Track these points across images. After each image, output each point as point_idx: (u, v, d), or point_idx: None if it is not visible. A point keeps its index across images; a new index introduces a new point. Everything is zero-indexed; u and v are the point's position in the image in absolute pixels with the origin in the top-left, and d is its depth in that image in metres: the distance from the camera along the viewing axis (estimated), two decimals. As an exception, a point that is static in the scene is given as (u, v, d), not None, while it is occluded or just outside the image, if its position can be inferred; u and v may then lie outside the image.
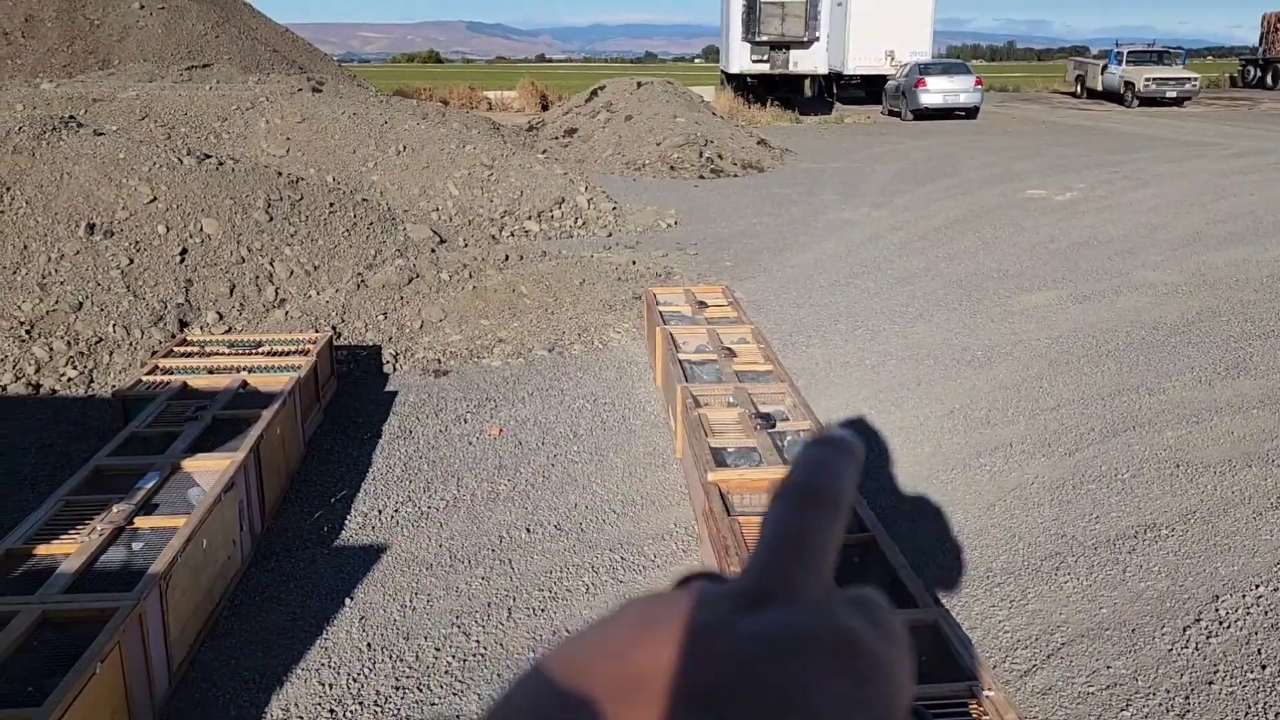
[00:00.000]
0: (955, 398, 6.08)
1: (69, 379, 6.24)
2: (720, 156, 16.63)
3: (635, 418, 5.83)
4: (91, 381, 6.27)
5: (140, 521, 3.63)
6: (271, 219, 7.88)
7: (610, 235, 10.99)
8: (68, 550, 3.40)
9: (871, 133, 24.24)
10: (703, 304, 6.79)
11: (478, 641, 3.63)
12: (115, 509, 3.66)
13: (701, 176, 15.83)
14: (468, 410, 5.96)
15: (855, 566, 3.50)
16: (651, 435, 5.57)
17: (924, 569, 4.03)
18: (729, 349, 5.78)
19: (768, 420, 4.67)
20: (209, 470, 4.09)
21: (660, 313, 6.58)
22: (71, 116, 8.48)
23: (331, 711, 3.24)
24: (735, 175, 16.12)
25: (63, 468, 5.05)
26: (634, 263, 9.25)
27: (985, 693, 2.59)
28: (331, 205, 8.53)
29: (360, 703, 3.28)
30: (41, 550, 3.42)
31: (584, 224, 11.20)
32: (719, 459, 4.29)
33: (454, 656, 3.54)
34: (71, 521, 3.62)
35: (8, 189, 7.19)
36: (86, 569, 3.31)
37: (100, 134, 7.93)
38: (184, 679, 3.40)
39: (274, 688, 3.36)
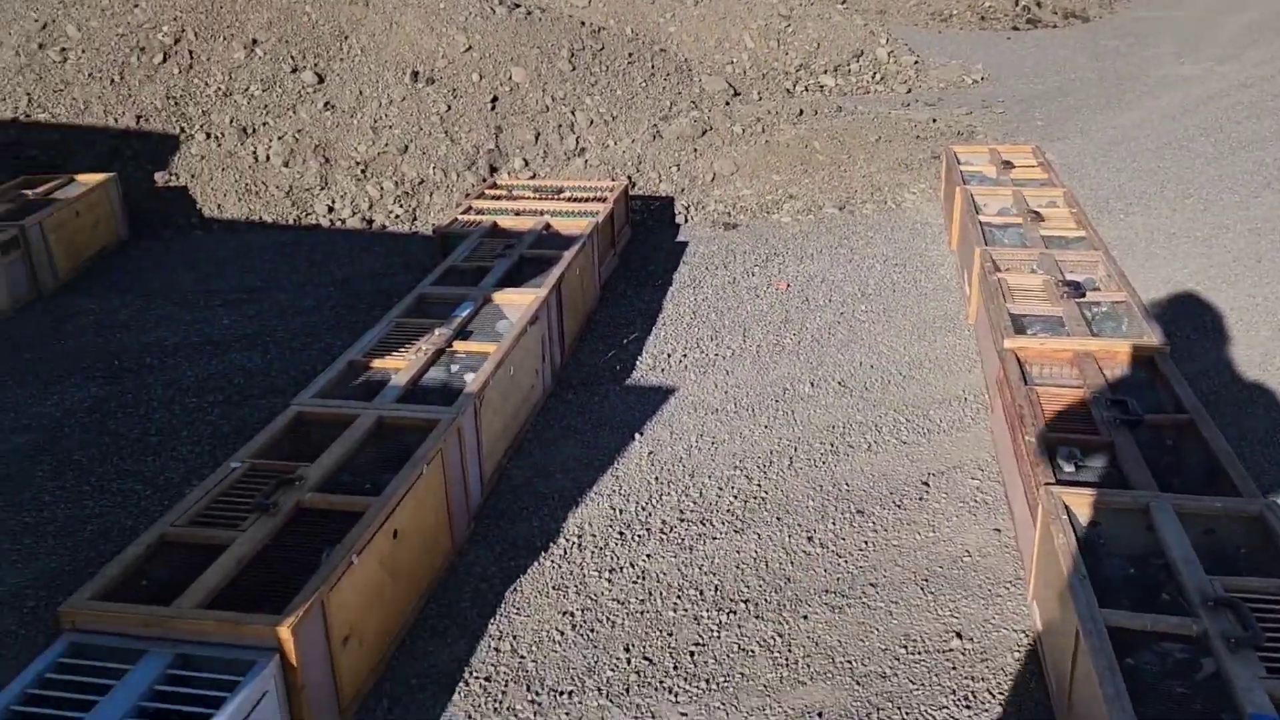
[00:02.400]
0: (1304, 278, 5.37)
1: (396, 216, 6.83)
2: (1038, 4, 15.13)
3: (926, 280, 5.62)
4: (415, 219, 6.83)
5: (458, 345, 3.96)
6: (574, 69, 8.09)
7: (909, 91, 10.39)
8: (398, 366, 3.79)
9: (1225, -25, 21.06)
10: (1008, 164, 6.32)
11: (759, 485, 3.72)
12: (437, 333, 4.02)
13: (1015, 28, 14.51)
14: (756, 264, 5.97)
15: (1168, 449, 3.24)
16: (943, 299, 5.35)
17: (1251, 458, 3.67)
18: (1036, 212, 5.38)
19: (1076, 289, 4.35)
20: (516, 304, 4.38)
21: (961, 173, 6.20)
22: (398, -31, 8.99)
23: (621, 534, 3.46)
24: (1054, 25, 14.65)
25: (391, 294, 5.59)
26: (934, 121, 8.73)
27: (1317, 594, 2.36)
28: (630, 56, 8.61)
29: (647, 529, 3.49)
30: (376, 364, 3.83)
31: (882, 79, 10.65)
32: (1018, 326, 4.06)
33: (735, 496, 3.66)
34: (401, 341, 4.01)
35: (346, 37, 7.81)
36: (413, 384, 3.68)
37: (423, -15, 8.37)
38: (493, 491, 3.75)
39: (571, 507, 3.64)
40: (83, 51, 7.46)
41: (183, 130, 7.15)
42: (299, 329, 5.19)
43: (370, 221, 6.79)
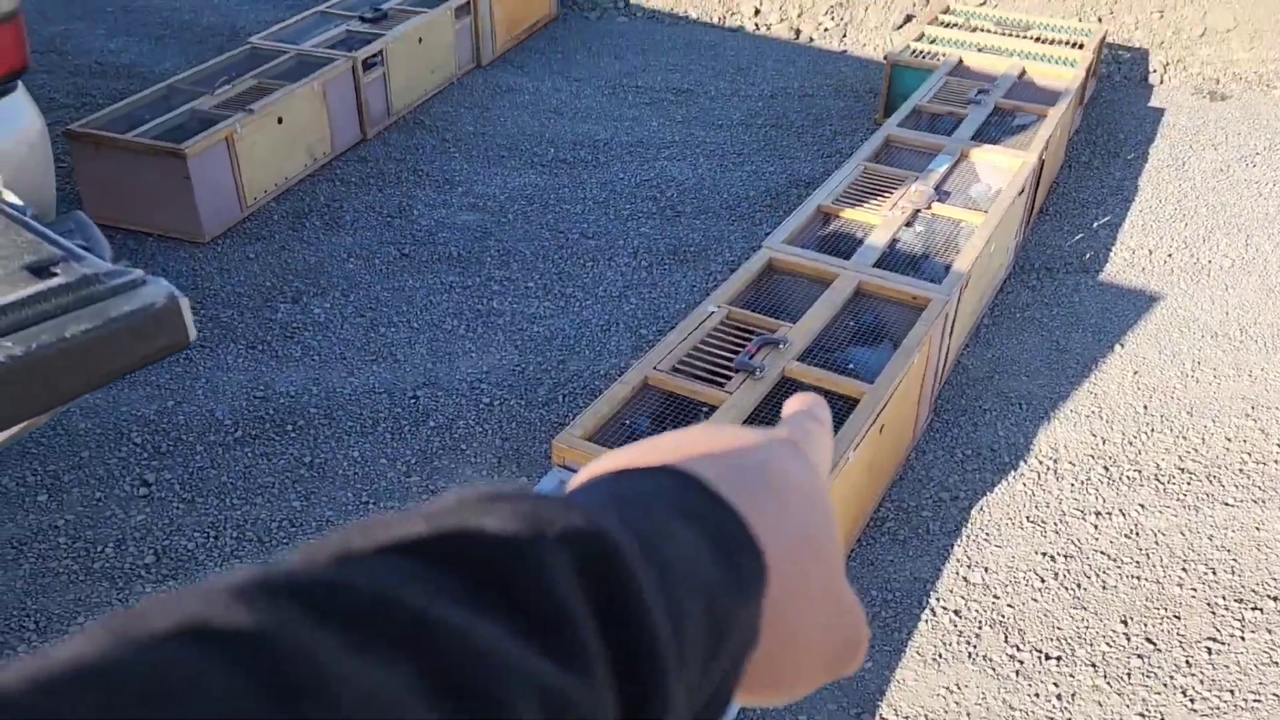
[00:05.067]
0: None
1: (825, 29, 6.24)
2: None
3: None
4: (845, 35, 6.22)
5: (937, 208, 3.47)
6: (1053, -123, 6.89)
7: None
8: (872, 221, 3.37)
9: None
10: None
11: (1279, 445, 3.07)
12: (914, 189, 3.53)
13: None
14: (1255, 151, 4.93)
15: None
16: None
17: None
18: None
19: None
20: (996, 165, 3.79)
21: None
22: None
23: (1105, 470, 2.97)
24: None
25: (822, 119, 5.13)
26: None
27: None
28: None
29: (1139, 471, 2.97)
30: (847, 214, 3.43)
31: None
32: None
33: (1249, 454, 3.04)
34: (871, 190, 3.57)
35: None
36: (889, 246, 3.27)
37: None
38: (949, 381, 3.33)
39: (1041, 420, 3.17)
40: None
41: (620, -96, 6.81)
42: (727, 144, 4.87)
43: (798, 32, 6.25)
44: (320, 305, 3.56)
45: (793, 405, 0.49)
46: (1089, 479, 2.93)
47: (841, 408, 2.52)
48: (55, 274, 1.15)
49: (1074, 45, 5.18)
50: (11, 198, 1.36)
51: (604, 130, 4.94)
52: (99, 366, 1.14)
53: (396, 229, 4.05)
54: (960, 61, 4.81)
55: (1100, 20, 6.10)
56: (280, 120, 4.13)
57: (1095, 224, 4.30)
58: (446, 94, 5.23)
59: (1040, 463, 2.99)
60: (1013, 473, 2.96)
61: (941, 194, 3.60)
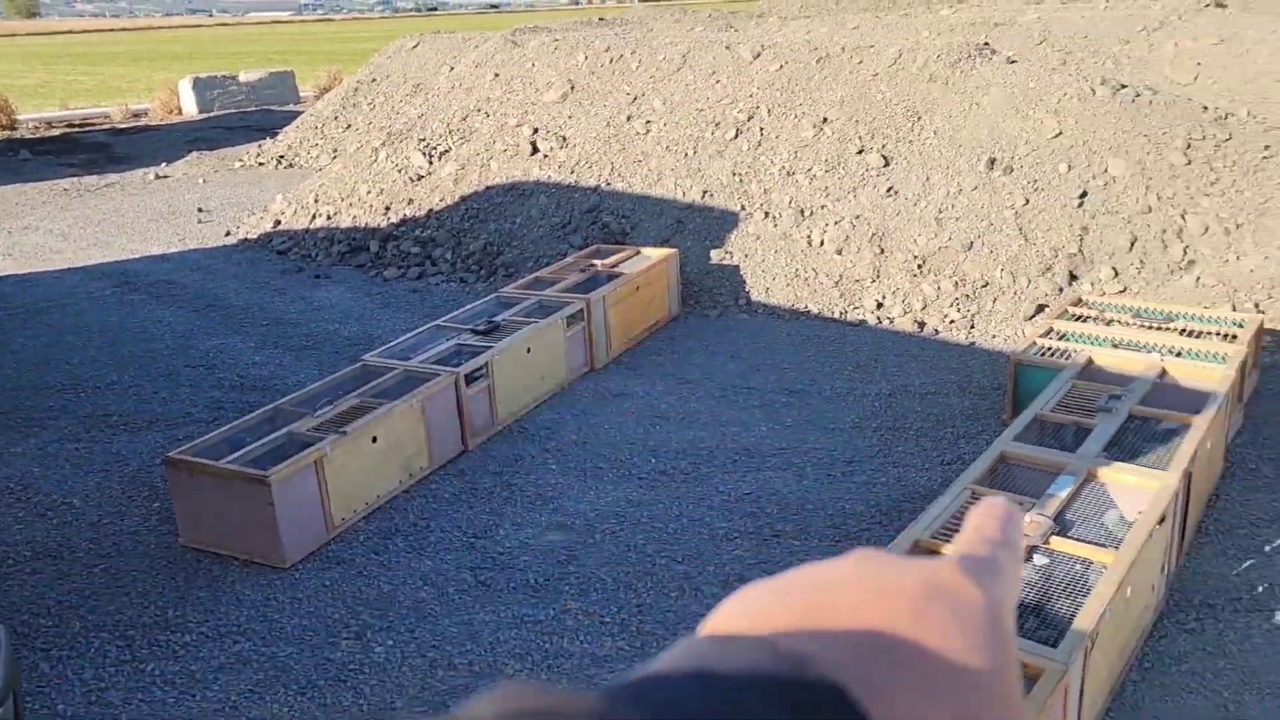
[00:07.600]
0: None
1: (951, 321, 6.04)
2: None
3: None
4: (972, 326, 5.98)
5: (1057, 543, 3.04)
6: (1189, 162, 6.70)
7: None
8: (979, 560, 2.97)
9: None
10: None
11: None
12: (1029, 520, 3.13)
13: None
14: None
15: None
16: None
17: None
18: None
19: None
20: (1130, 488, 3.35)
21: None
22: (986, 43, 8.23)
23: None
24: None
25: (942, 421, 4.81)
26: None
27: None
28: (1266, 149, 6.98)
29: None
30: (948, 550, 3.03)
31: None
32: None
33: None
34: (979, 520, 3.18)
35: (919, 118, 7.20)
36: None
37: (1013, 62, 7.51)
38: (1087, 756, 2.77)
39: (1206, 819, 2.55)
40: (663, 125, 7.68)
41: (743, 208, 7.01)
42: (839, 450, 4.60)
43: (922, 325, 6.07)
44: (383, 643, 3.36)
45: (979, 522, 0.40)
46: None
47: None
48: None
49: (1226, 337, 4.75)
50: None
51: (710, 436, 4.77)
52: None
53: (479, 551, 3.89)
54: (1090, 361, 4.46)
55: (1258, 306, 5.66)
56: (375, 439, 4.15)
57: (1268, 547, 3.71)
58: (556, 400, 5.23)
59: None
60: None
61: (1064, 524, 3.17)
